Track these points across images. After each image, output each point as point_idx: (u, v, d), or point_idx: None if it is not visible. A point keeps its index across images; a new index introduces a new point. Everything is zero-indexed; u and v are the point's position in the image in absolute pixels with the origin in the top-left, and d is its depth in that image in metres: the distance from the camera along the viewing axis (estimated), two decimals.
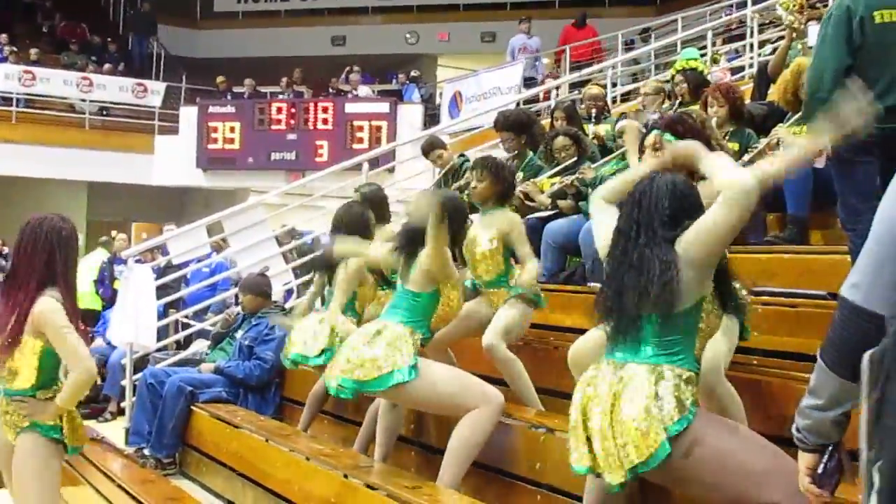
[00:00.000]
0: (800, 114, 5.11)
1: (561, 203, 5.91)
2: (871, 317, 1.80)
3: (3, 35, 17.44)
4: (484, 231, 4.61)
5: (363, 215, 5.14)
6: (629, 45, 13.36)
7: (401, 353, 3.84)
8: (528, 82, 13.73)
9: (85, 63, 17.80)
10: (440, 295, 4.14)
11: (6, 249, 11.18)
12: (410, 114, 14.74)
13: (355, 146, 13.91)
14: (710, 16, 11.93)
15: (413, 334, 3.94)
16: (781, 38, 6.89)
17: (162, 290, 7.67)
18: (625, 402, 2.70)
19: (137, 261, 7.67)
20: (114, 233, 10.62)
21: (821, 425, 2.01)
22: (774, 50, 7.36)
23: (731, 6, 11.79)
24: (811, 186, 4.91)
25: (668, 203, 2.82)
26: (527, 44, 14.90)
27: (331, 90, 17.12)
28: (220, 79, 17.71)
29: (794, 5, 6.18)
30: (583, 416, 2.81)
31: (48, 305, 3.42)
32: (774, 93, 5.74)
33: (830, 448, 2.02)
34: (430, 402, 4.01)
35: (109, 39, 19.60)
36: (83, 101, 16.47)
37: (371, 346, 3.88)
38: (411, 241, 4.10)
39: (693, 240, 2.77)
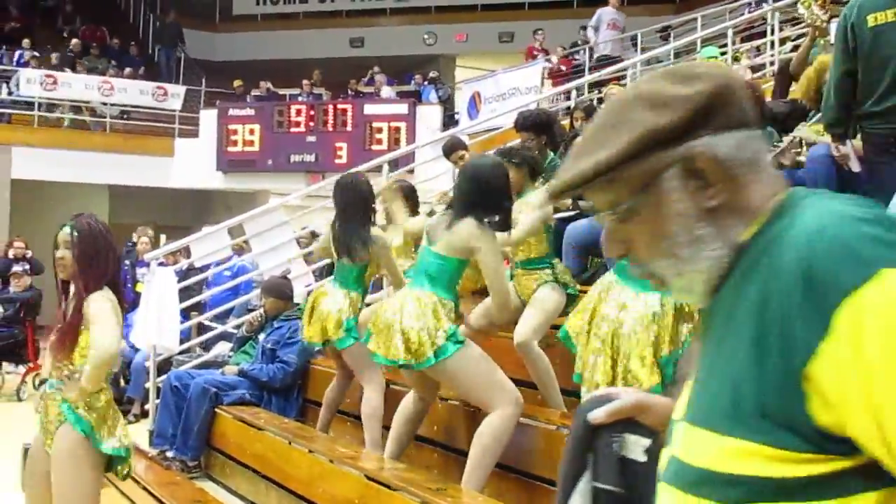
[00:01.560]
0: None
1: (582, 203, 5.88)
2: None
3: (25, 40, 17.59)
4: (521, 214, 4.65)
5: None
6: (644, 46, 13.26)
7: (434, 330, 3.88)
8: (608, 60, 12.72)
9: (105, 67, 17.93)
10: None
11: (30, 252, 11.25)
12: (429, 115, 14.74)
13: (374, 147, 13.93)
14: (730, 14, 11.87)
15: (444, 304, 3.96)
16: (802, 35, 6.84)
17: (184, 293, 7.71)
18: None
19: (160, 264, 7.72)
20: (135, 235, 10.68)
21: None
22: (795, 48, 7.31)
23: (751, 4, 11.71)
24: (835, 186, 4.88)
25: None
26: (616, 18, 13.81)
27: (350, 92, 17.13)
28: (236, 82, 17.78)
29: (815, 1, 6.14)
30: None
31: (98, 298, 3.46)
32: (797, 90, 5.71)
33: None
34: (458, 382, 4.05)
35: (131, 43, 19.73)
36: (104, 104, 16.59)
37: (405, 321, 3.91)
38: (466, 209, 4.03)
39: None
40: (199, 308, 8.48)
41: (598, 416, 1.33)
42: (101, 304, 3.46)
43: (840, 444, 0.93)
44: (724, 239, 1.07)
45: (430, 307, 3.91)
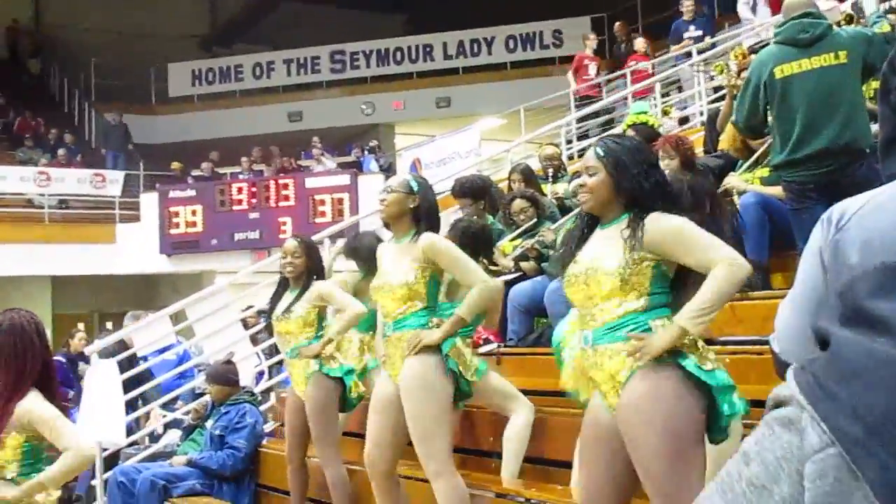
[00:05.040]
0: (750, 161, 5.26)
1: (524, 265, 5.91)
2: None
3: None
4: None
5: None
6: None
7: None
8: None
9: (40, 157, 17.74)
10: None
11: None
12: (371, 184, 14.77)
13: (318, 220, 13.92)
14: (657, 67, 12.10)
15: None
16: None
17: (128, 383, 7.52)
18: None
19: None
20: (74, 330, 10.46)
21: None
22: (722, 97, 7.47)
23: (677, 58, 11.92)
24: (768, 232, 4.95)
25: None
26: None
27: (279, 166, 17.10)
28: (175, 164, 17.69)
29: (735, 58, 6.32)
30: None
31: (32, 403, 3.38)
32: (723, 142, 5.83)
33: None
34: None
35: (65, 131, 19.54)
36: (42, 195, 16.38)
37: None
38: None
39: None
40: (145, 398, 8.26)
41: None
42: (41, 412, 3.37)
43: None
44: None
45: None
